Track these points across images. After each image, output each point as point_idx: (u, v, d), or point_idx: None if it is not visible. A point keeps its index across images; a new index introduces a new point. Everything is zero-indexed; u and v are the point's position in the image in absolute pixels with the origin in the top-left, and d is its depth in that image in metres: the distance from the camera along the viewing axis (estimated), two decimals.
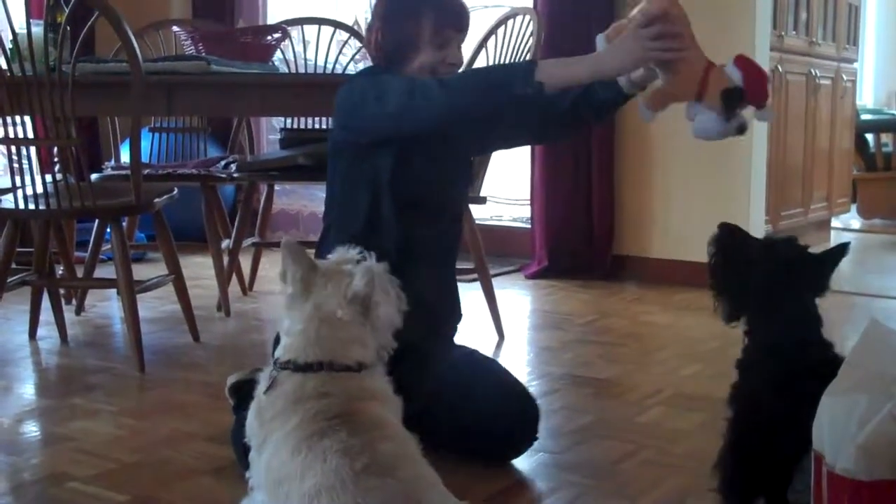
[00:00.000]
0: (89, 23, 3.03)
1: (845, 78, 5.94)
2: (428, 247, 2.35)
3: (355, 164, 2.35)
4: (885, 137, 7.07)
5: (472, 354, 2.52)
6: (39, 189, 3.11)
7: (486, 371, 2.46)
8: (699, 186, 4.57)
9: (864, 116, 6.95)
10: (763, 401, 1.82)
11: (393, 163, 2.30)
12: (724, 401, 1.92)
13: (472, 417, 2.31)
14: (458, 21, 2.35)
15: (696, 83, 2.08)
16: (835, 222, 6.30)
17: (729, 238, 1.97)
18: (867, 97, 8.12)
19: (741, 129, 2.12)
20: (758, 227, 4.57)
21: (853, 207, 6.62)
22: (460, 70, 2.39)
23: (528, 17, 3.71)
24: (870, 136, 6.99)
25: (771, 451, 1.79)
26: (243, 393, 2.28)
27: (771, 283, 1.86)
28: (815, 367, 1.75)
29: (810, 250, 1.90)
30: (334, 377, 1.64)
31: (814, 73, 5.41)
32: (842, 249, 1.89)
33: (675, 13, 2.06)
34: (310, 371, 1.65)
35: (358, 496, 1.44)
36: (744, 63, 2.08)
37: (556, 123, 2.38)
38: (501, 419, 2.31)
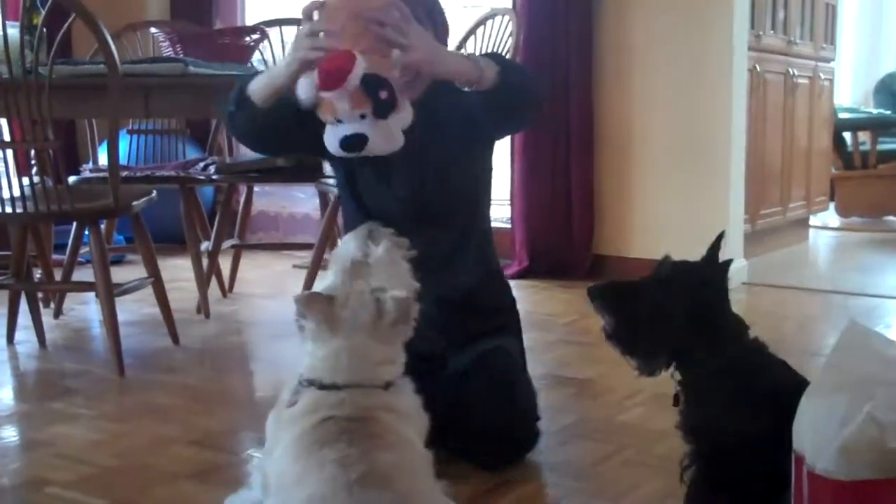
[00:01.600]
0: (66, 25, 3.01)
1: (823, 77, 5.97)
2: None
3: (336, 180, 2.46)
4: (863, 136, 7.11)
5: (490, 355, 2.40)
6: (17, 192, 3.08)
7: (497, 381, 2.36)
8: (678, 186, 4.58)
9: (842, 115, 6.98)
10: (731, 428, 1.77)
11: (344, 175, 2.38)
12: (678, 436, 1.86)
13: (468, 421, 2.27)
14: None
15: None
16: (813, 221, 6.32)
17: (616, 297, 1.90)
18: (844, 96, 8.16)
19: (343, 144, 2.04)
20: (737, 225, 4.58)
21: (831, 206, 6.65)
22: None
23: (507, 18, 3.71)
24: (847, 135, 7.03)
25: (753, 472, 1.76)
26: None
27: (686, 317, 1.79)
28: (769, 380, 1.74)
29: (689, 260, 1.85)
30: (358, 392, 1.64)
31: (791, 73, 5.43)
32: (718, 240, 1.83)
33: (335, 4, 2.00)
34: (335, 389, 1.64)
35: None
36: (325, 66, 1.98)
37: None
38: (494, 431, 2.26)
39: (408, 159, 2.25)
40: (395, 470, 1.51)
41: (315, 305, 1.65)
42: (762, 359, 1.79)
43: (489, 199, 2.58)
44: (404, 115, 2.06)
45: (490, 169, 2.53)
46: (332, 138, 2.05)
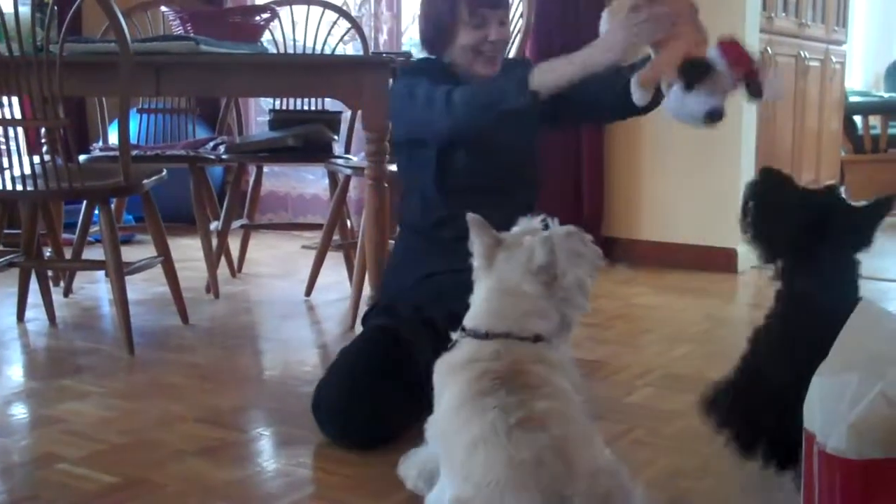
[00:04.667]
0: (77, 2, 3.01)
1: (834, 60, 5.94)
2: None
3: (411, 157, 2.52)
4: (873, 120, 7.07)
5: None
6: (27, 170, 3.09)
7: None
8: (689, 168, 4.57)
9: (853, 98, 6.95)
10: (782, 351, 1.79)
11: (437, 153, 2.43)
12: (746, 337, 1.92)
13: None
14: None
15: (678, 59, 2.06)
16: None
17: (766, 181, 1.94)
18: (856, 79, 8.12)
19: (712, 116, 2.06)
20: None
21: (841, 189, 6.62)
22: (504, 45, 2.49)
23: None
24: (858, 119, 7.00)
25: (773, 400, 1.76)
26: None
27: (805, 233, 1.83)
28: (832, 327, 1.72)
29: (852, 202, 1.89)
30: (509, 344, 1.73)
31: (803, 55, 5.40)
32: (887, 202, 1.86)
33: None
34: (487, 339, 1.75)
35: (510, 448, 1.55)
36: (726, 44, 2.05)
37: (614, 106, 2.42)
38: None
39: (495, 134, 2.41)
40: (551, 416, 1.61)
41: (482, 230, 1.77)
42: (841, 304, 1.77)
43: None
44: None
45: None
46: (695, 107, 2.07)
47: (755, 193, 1.93)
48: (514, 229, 1.83)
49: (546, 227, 1.80)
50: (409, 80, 2.41)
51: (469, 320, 1.80)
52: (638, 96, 2.18)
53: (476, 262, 1.81)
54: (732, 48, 2.05)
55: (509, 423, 1.57)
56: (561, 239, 1.78)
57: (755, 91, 2.06)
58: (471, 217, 1.80)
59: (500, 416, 1.58)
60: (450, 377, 1.73)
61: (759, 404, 1.86)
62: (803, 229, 1.83)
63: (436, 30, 2.43)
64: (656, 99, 2.21)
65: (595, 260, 1.84)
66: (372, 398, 2.30)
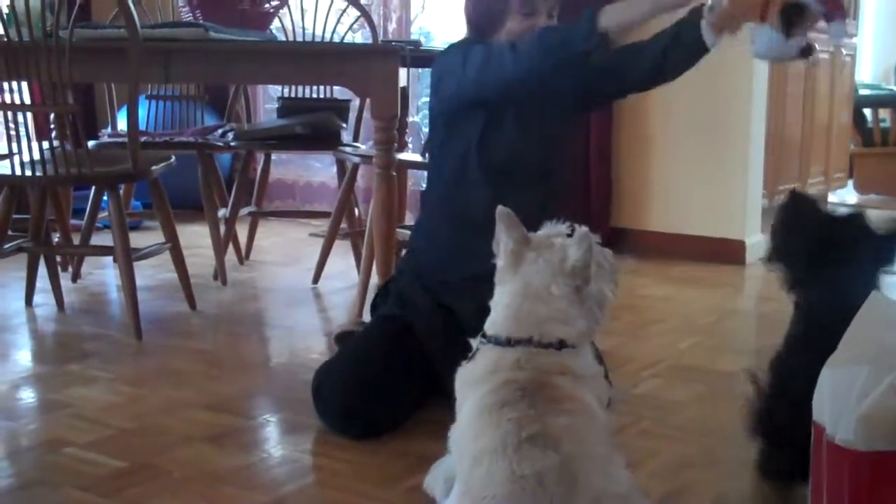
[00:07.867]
0: None
1: (844, 53, 5.92)
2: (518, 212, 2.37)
3: (448, 132, 2.50)
4: (883, 113, 7.06)
5: None
6: (36, 156, 3.09)
7: None
8: (698, 160, 4.56)
9: (863, 92, 6.93)
10: (802, 375, 1.79)
11: (483, 127, 2.43)
12: (766, 365, 1.92)
13: None
14: None
15: (759, 2, 2.08)
16: (831, 197, 6.30)
17: (795, 206, 1.96)
18: (865, 72, 8.09)
19: (805, 52, 2.12)
20: (755, 200, 4.56)
21: (850, 183, 6.62)
22: None
23: None
24: (867, 112, 6.98)
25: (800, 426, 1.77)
26: (347, 342, 2.53)
27: (829, 258, 1.85)
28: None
29: (871, 224, 1.90)
30: (533, 352, 1.64)
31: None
32: None
33: None
34: (509, 346, 1.66)
35: (514, 462, 1.49)
36: None
37: (645, 72, 2.41)
38: None
39: (539, 108, 2.43)
40: (567, 433, 1.54)
41: (514, 228, 1.68)
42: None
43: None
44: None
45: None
46: (790, 47, 2.12)
47: (785, 215, 1.95)
48: (540, 232, 1.74)
49: (571, 234, 1.70)
50: (462, 47, 2.43)
51: (490, 326, 1.71)
52: (711, 39, 2.20)
53: (501, 260, 1.71)
54: None
55: (520, 437, 1.51)
56: (593, 243, 1.69)
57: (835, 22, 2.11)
58: (500, 210, 1.69)
59: (513, 429, 1.52)
60: (470, 388, 1.67)
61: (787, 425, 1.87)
62: (827, 255, 1.85)
63: (486, 14, 2.44)
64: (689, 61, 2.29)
65: (614, 275, 1.76)
66: (374, 390, 2.31)
